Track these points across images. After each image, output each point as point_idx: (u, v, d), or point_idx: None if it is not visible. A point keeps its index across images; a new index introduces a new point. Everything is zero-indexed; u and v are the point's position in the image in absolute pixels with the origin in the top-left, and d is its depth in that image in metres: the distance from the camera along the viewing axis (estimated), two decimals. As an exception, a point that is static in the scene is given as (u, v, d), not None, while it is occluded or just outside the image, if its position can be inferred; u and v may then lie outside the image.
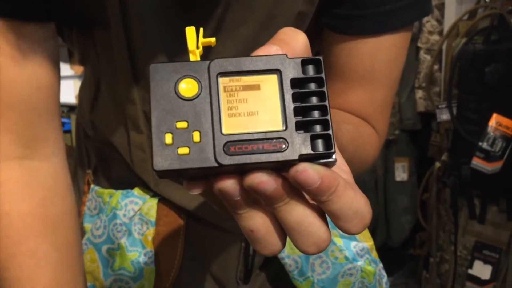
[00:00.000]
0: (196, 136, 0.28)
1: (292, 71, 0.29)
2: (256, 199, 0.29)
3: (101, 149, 0.65)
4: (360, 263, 0.62)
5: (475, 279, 1.66)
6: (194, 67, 0.29)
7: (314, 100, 0.29)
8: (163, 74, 0.29)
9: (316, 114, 0.29)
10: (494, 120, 1.54)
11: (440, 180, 1.76)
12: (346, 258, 0.61)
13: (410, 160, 2.11)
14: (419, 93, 2.01)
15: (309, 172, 0.27)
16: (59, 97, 0.55)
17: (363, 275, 0.62)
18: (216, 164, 0.27)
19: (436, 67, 1.87)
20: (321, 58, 0.29)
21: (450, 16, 1.80)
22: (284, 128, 0.28)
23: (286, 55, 0.29)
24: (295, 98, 0.29)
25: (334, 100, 0.58)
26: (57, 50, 0.53)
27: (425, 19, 1.93)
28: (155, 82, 0.28)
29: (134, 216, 0.61)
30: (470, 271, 1.68)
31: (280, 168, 0.28)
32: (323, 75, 0.29)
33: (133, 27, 0.52)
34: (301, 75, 0.29)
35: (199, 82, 0.28)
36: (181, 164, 0.27)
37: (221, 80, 0.29)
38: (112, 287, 0.61)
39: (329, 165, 0.29)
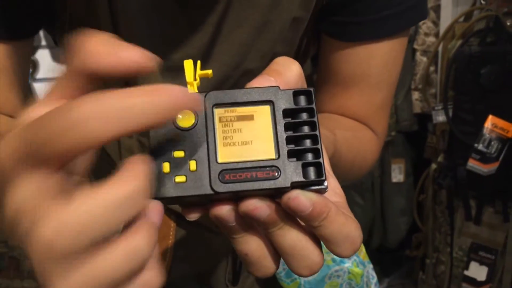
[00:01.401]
0: (193, 165, 0.29)
1: (284, 102, 0.30)
2: (250, 223, 0.30)
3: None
4: (348, 265, 0.62)
5: (471, 281, 1.66)
6: None
7: (306, 129, 0.30)
8: None
9: (307, 143, 0.30)
10: (490, 121, 1.54)
11: (436, 181, 1.76)
12: (334, 260, 0.62)
13: (406, 161, 2.11)
14: (415, 95, 2.01)
15: (301, 199, 0.28)
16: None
17: (350, 276, 0.62)
18: (211, 192, 0.28)
19: (432, 68, 1.87)
20: (312, 89, 0.31)
21: (446, 18, 1.81)
22: (277, 156, 0.29)
23: (279, 87, 0.30)
24: (287, 127, 0.30)
25: (333, 104, 0.58)
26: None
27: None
28: None
29: None
30: (466, 272, 1.68)
31: (274, 195, 0.30)
32: (313, 105, 0.30)
33: (122, 31, 0.52)
34: (293, 106, 0.30)
35: (195, 113, 0.30)
36: (178, 191, 0.29)
37: (217, 111, 0.30)
38: None
39: (321, 191, 0.30)
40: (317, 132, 0.30)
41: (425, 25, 1.94)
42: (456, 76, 1.60)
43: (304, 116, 0.30)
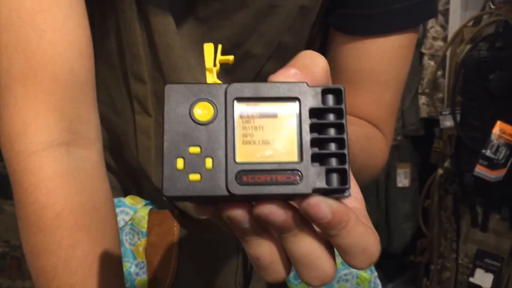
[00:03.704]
0: (209, 163, 0.27)
1: (311, 100, 0.28)
2: (264, 226, 0.29)
3: None
4: None
5: (477, 288, 1.65)
6: (210, 90, 0.28)
7: (332, 132, 0.28)
8: (178, 95, 0.28)
9: (333, 146, 0.28)
10: (498, 127, 1.53)
11: (442, 187, 1.75)
12: (343, 263, 0.61)
13: (412, 166, 2.10)
14: (422, 99, 2.01)
15: (321, 206, 0.27)
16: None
17: (358, 281, 0.61)
18: (227, 193, 0.27)
19: (439, 73, 1.86)
20: (342, 88, 0.29)
21: (455, 22, 1.80)
22: (300, 159, 0.27)
23: (307, 83, 0.28)
24: (313, 128, 0.28)
25: None
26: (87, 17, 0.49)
27: (429, 24, 1.93)
28: (169, 103, 0.28)
29: (125, 226, 0.60)
30: (471, 279, 1.67)
31: (292, 199, 0.28)
32: (343, 106, 0.28)
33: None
34: (321, 105, 0.28)
35: (215, 106, 0.28)
36: (191, 191, 0.27)
37: (238, 105, 0.28)
38: None
39: (342, 198, 0.28)
40: (344, 136, 0.28)
41: (433, 29, 1.93)
42: (464, 81, 1.59)
43: (332, 117, 0.28)
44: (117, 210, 0.59)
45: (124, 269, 0.59)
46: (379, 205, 2.13)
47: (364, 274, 0.62)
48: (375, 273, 0.66)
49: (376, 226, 2.06)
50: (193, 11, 0.53)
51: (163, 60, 0.52)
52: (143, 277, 0.59)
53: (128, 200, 0.61)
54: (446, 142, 1.72)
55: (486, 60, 1.53)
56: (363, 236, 0.28)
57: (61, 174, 0.45)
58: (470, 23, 1.67)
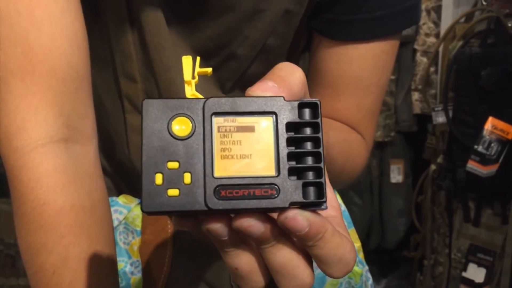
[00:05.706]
0: (187, 178, 0.27)
1: (288, 115, 0.29)
2: (243, 238, 0.29)
3: None
4: None
5: (469, 282, 1.66)
6: (188, 105, 0.28)
7: (309, 146, 0.29)
8: (156, 110, 0.28)
9: (309, 160, 0.28)
10: (490, 123, 1.54)
11: (435, 182, 1.76)
12: None
13: (405, 162, 2.11)
14: (415, 95, 2.01)
15: (298, 219, 0.27)
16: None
17: (350, 275, 0.62)
18: (205, 208, 0.27)
19: (432, 69, 1.87)
20: (318, 102, 0.29)
21: (447, 18, 1.81)
22: (277, 174, 0.28)
23: (283, 97, 0.29)
24: (290, 142, 0.29)
25: (322, 106, 0.58)
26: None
27: (422, 21, 1.94)
28: (147, 119, 0.28)
29: (119, 226, 0.59)
30: (464, 274, 1.67)
31: (270, 211, 0.29)
32: (319, 120, 0.29)
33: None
34: (297, 119, 0.29)
35: (192, 121, 0.28)
36: (170, 206, 0.27)
37: (216, 119, 0.28)
38: None
39: (319, 210, 0.29)
40: (320, 150, 0.28)
41: (426, 26, 1.94)
42: (456, 77, 1.59)
43: (308, 131, 0.29)
44: (111, 209, 0.59)
45: (119, 268, 0.58)
46: (372, 201, 2.13)
47: (356, 268, 0.62)
48: (366, 267, 0.66)
49: (370, 222, 2.07)
50: (178, 12, 0.53)
51: (155, 59, 0.52)
52: (138, 276, 0.59)
53: (121, 199, 0.60)
54: (438, 138, 1.73)
55: (478, 56, 1.53)
56: (340, 246, 0.29)
57: (60, 170, 0.44)
58: (462, 20, 1.68)
